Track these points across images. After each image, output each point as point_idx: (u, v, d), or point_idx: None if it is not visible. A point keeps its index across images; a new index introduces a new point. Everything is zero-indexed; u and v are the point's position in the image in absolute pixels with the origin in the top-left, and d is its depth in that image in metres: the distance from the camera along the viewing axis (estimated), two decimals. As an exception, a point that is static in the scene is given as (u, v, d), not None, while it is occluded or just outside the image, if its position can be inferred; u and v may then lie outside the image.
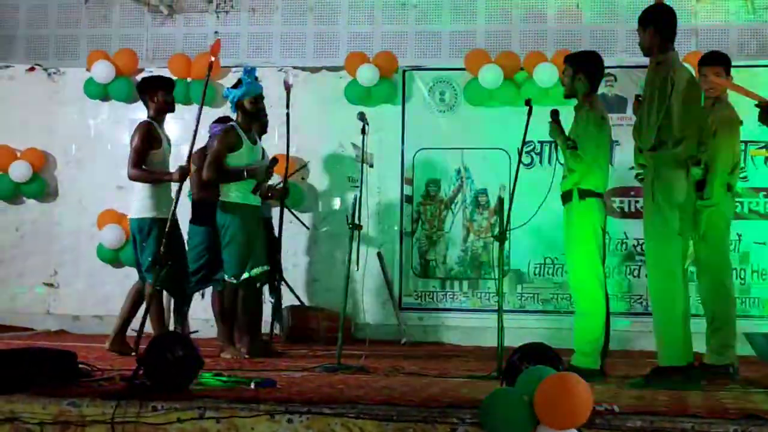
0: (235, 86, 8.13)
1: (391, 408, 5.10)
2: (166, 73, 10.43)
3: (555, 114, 7.26)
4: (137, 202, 7.96)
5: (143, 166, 7.88)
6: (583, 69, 7.11)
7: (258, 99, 8.08)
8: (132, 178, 7.92)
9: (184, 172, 7.62)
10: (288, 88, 8.39)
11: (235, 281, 7.95)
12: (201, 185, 8.40)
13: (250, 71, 8.10)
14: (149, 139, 7.94)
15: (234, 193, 7.94)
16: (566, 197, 7.06)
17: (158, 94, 8.09)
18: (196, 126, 7.35)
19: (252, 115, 8.08)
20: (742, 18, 10.20)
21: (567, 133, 7.18)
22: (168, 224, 7.38)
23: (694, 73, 6.87)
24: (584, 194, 6.96)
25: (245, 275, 7.92)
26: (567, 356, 5.89)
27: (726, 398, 5.66)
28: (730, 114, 7.24)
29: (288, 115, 8.32)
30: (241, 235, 7.90)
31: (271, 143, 10.29)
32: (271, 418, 5.12)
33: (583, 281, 6.98)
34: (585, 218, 6.95)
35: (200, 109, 7.41)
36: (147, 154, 7.91)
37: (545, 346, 5.72)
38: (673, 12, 6.80)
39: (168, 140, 8.21)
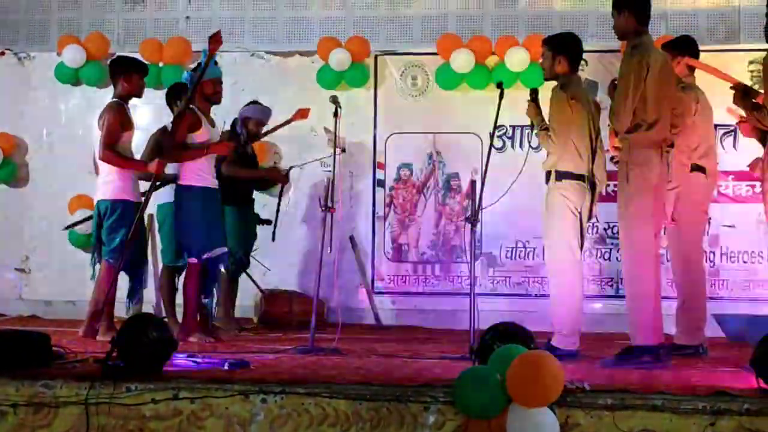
0: (194, 69, 8.03)
1: (364, 387, 5.15)
2: (137, 57, 10.41)
3: (534, 93, 7.31)
4: (109, 184, 7.90)
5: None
6: (563, 51, 7.13)
7: (217, 82, 8.04)
8: (105, 159, 7.83)
9: (161, 166, 7.60)
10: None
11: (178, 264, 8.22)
12: (229, 163, 8.74)
13: (204, 52, 8.05)
14: (122, 120, 7.91)
15: (192, 175, 7.88)
16: (547, 178, 7.09)
17: (133, 77, 8.07)
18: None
19: (210, 99, 8.03)
20: (711, 2, 10.25)
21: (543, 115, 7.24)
22: (141, 208, 7.36)
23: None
24: (561, 176, 6.98)
25: (205, 255, 7.88)
26: (538, 339, 5.91)
27: (695, 376, 5.73)
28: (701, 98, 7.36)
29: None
30: (199, 215, 7.86)
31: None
32: (245, 398, 5.15)
33: (557, 262, 7.03)
34: (561, 200, 6.98)
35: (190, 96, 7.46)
36: (120, 136, 7.88)
37: (517, 325, 5.78)
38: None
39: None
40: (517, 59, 9.84)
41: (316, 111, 9.52)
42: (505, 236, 9.98)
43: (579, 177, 7.00)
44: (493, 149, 7.47)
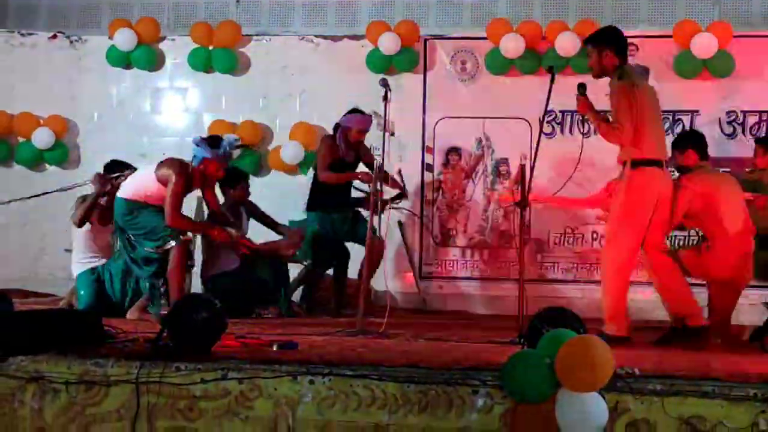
0: (210, 143, 7.92)
1: (413, 370, 5.14)
2: (188, 40, 10.49)
3: (582, 88, 7.16)
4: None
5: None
6: (606, 43, 7.02)
7: (223, 167, 8.01)
8: None
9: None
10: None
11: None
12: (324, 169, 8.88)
13: (233, 143, 8.07)
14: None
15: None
16: (624, 167, 6.97)
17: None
18: None
19: (208, 177, 8.00)
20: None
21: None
22: None
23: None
24: (637, 164, 6.81)
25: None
26: (587, 325, 5.88)
27: (746, 363, 5.67)
28: None
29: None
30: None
31: (293, 111, 10.38)
32: (294, 379, 5.17)
33: (617, 251, 6.93)
34: (633, 189, 6.83)
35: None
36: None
37: (566, 309, 5.75)
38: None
39: None
40: (568, 44, 9.78)
41: (365, 95, 9.50)
42: (554, 222, 9.93)
43: (656, 163, 6.85)
44: (542, 135, 7.43)
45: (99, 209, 8.41)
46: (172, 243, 7.77)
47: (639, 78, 7.10)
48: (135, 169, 8.47)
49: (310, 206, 9.06)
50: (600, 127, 7.00)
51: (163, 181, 7.73)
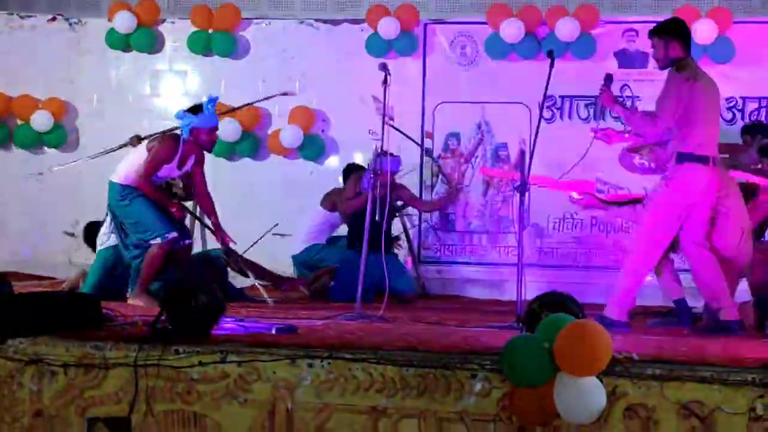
0: (193, 111, 7.94)
1: (411, 354, 5.16)
2: (187, 23, 10.46)
3: (608, 80, 7.10)
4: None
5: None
6: (674, 35, 6.89)
7: (213, 131, 8.00)
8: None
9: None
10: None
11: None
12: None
13: (213, 100, 8.04)
14: None
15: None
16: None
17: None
18: None
19: (204, 146, 7.99)
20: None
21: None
22: None
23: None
24: (683, 158, 6.72)
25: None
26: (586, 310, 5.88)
27: (744, 348, 5.68)
28: None
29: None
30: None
31: (292, 95, 10.36)
32: (292, 362, 5.18)
33: (647, 241, 6.87)
34: (675, 187, 6.75)
35: None
36: None
37: (565, 294, 5.76)
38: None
39: None
40: (568, 29, 9.75)
41: (364, 79, 9.50)
42: (553, 207, 9.92)
43: (703, 159, 6.71)
44: (542, 120, 7.43)
45: None
46: (158, 240, 7.78)
47: (699, 73, 6.91)
48: None
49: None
50: (630, 119, 6.97)
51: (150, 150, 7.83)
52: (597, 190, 7.81)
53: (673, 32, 6.92)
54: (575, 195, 7.77)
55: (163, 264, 7.86)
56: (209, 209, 8.24)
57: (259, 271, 8.90)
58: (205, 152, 8.07)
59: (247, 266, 8.63)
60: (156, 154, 7.77)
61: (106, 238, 8.33)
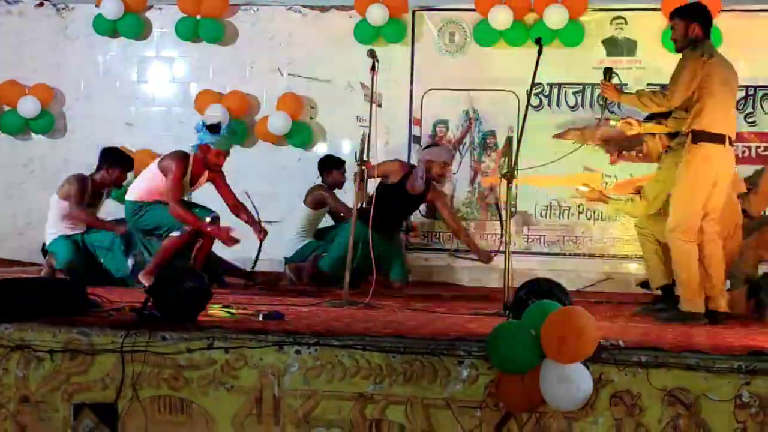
0: (212, 129, 8.09)
1: (398, 340, 5.16)
2: (175, 10, 10.42)
3: (608, 73, 7.08)
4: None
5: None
6: (695, 17, 6.86)
7: (222, 155, 8.17)
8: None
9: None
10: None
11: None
12: None
13: (229, 124, 8.17)
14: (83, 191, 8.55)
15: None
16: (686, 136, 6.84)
17: (115, 171, 8.63)
18: None
19: (210, 166, 8.20)
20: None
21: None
22: None
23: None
24: (697, 137, 6.65)
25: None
26: (573, 297, 5.86)
27: (730, 336, 5.70)
28: None
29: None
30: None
31: (280, 82, 10.36)
32: (280, 349, 5.18)
33: (679, 230, 6.74)
34: (693, 166, 6.68)
35: None
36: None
37: (552, 281, 5.77)
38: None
39: None
40: (556, 17, 9.74)
41: (352, 66, 9.48)
42: (541, 195, 9.93)
43: (718, 137, 6.66)
44: (530, 107, 7.44)
45: (93, 188, 8.60)
46: (177, 233, 8.03)
47: (716, 53, 6.86)
48: (130, 161, 8.84)
49: None
50: (638, 102, 6.90)
51: (165, 172, 8.01)
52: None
53: (695, 15, 6.91)
54: (581, 187, 7.74)
55: (180, 249, 8.09)
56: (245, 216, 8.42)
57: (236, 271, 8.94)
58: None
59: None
60: (174, 177, 7.98)
61: (53, 235, 8.59)
